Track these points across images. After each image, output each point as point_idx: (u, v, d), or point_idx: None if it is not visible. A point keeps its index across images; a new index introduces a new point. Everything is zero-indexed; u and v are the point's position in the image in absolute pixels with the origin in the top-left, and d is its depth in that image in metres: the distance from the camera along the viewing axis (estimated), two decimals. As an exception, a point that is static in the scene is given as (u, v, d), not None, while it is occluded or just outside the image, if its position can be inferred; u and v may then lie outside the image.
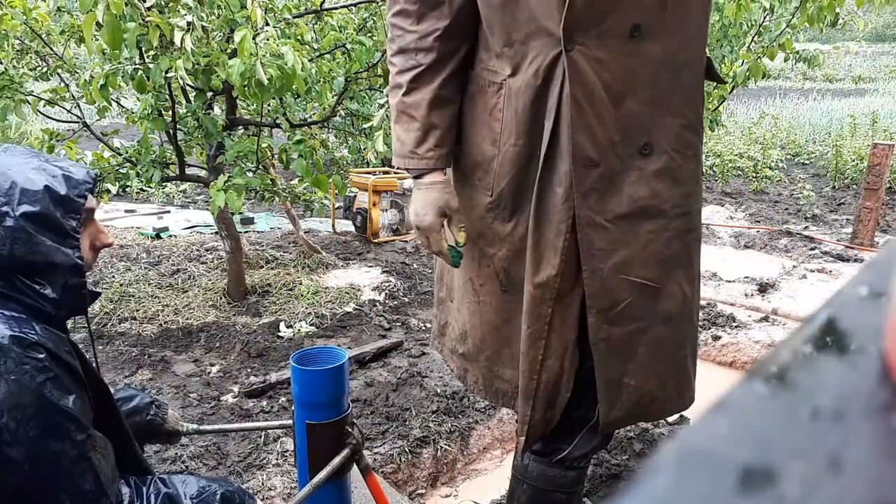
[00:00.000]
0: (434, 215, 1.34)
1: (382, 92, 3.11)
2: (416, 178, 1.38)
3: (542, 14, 1.17)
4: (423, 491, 2.33)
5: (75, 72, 3.03)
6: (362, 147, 3.92)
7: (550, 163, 1.24)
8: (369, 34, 3.12)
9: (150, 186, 3.14)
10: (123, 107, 3.36)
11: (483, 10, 1.27)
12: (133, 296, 3.53)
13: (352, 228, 4.97)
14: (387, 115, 2.42)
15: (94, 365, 1.21)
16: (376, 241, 4.76)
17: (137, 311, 3.37)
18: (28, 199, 1.05)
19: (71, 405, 1.05)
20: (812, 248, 4.83)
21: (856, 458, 0.22)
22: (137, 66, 2.50)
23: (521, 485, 1.47)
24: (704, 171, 8.53)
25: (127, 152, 3.09)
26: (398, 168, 1.46)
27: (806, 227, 5.54)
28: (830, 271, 4.28)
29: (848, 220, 5.83)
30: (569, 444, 1.40)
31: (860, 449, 0.23)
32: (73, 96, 3.11)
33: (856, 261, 4.55)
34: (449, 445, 2.41)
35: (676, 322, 1.33)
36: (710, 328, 3.43)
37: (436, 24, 1.30)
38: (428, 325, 3.42)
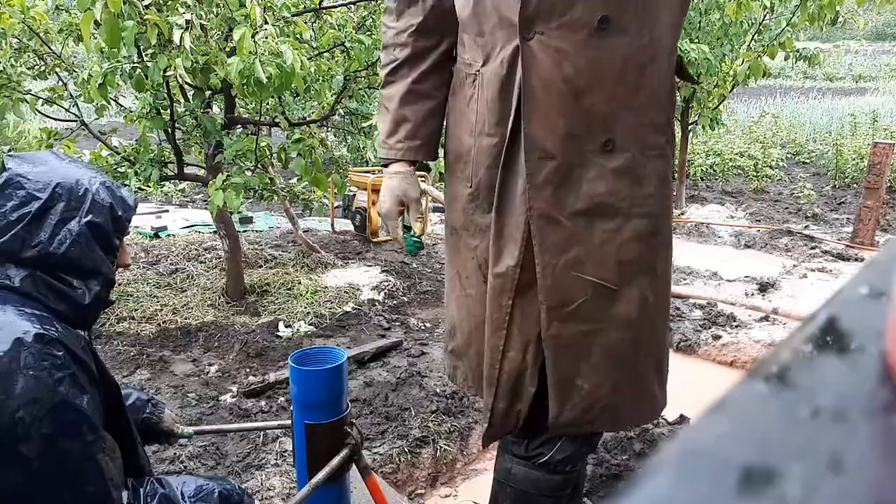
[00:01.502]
0: (392, 203, 1.44)
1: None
2: (384, 166, 1.46)
3: (503, 4, 1.19)
4: (423, 491, 2.32)
5: (73, 70, 3.03)
6: (361, 146, 3.93)
7: (512, 153, 1.25)
8: (368, 32, 3.12)
9: (148, 185, 3.13)
10: (122, 105, 3.36)
11: (456, 2, 1.30)
12: (131, 295, 3.53)
13: (351, 227, 4.97)
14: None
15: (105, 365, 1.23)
16: (375, 240, 4.76)
17: (136, 310, 3.37)
18: (95, 210, 1.15)
19: (85, 405, 1.06)
20: (812, 248, 4.83)
21: (856, 458, 0.22)
22: (136, 65, 2.50)
23: (505, 488, 1.44)
24: (705, 169, 8.45)
25: (125, 151, 3.09)
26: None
27: (806, 227, 5.55)
28: (831, 270, 4.28)
29: (848, 219, 5.83)
30: (550, 448, 1.38)
31: (860, 449, 0.23)
32: (71, 95, 3.11)
33: (856, 260, 4.55)
34: (448, 445, 2.41)
35: (635, 328, 1.29)
36: (710, 328, 3.43)
37: (411, 21, 1.37)
38: (427, 325, 3.43)
